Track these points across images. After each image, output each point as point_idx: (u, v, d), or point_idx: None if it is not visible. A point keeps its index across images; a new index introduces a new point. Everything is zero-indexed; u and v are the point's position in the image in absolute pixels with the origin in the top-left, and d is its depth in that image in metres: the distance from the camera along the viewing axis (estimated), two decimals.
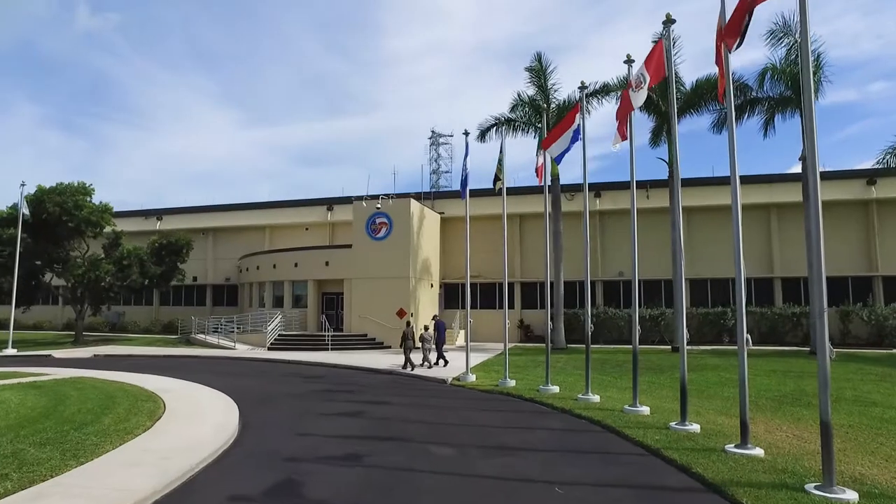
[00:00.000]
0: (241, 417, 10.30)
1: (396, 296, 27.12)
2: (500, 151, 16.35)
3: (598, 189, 31.34)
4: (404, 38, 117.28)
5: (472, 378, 16.33)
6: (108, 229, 29.19)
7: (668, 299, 29.51)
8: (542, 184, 15.69)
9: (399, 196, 28.94)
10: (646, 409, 10.78)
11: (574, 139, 12.80)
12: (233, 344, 26.50)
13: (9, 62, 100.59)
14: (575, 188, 30.87)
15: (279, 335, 27.02)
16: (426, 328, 20.77)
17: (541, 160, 15.12)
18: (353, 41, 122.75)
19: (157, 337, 32.00)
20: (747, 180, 27.79)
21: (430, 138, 42.83)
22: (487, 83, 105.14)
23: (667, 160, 25.44)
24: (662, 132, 26.18)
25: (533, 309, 31.85)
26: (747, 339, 7.97)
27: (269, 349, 25.73)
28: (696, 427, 9.04)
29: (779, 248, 29.26)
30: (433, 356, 19.77)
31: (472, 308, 33.13)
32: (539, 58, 27.29)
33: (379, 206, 27.39)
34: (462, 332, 30.47)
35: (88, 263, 27.43)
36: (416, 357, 19.69)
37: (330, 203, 35.27)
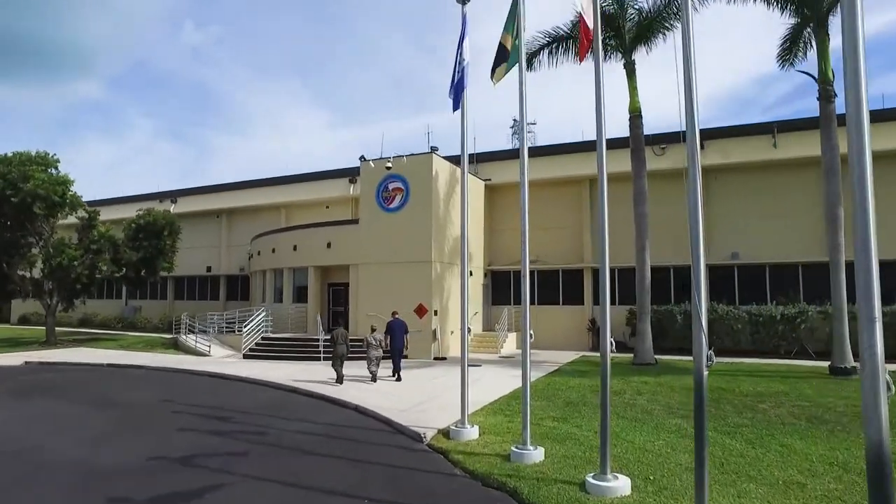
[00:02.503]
0: None
1: (416, 286, 20.06)
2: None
3: (702, 138, 22.45)
4: (482, 30, 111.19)
5: (474, 434, 8.95)
6: (84, 215, 24.37)
7: (809, 291, 20.25)
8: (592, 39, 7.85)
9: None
10: None
11: None
12: (207, 348, 20.64)
13: (127, 81, 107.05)
14: (666, 139, 22.26)
15: (263, 338, 20.83)
16: (373, 329, 15.67)
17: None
18: (436, 37, 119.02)
19: (152, 337, 27.03)
20: None
21: (512, 127, 36.75)
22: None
23: (815, 75, 16.34)
24: (804, 33, 17.11)
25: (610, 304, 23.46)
26: None
27: (246, 357, 19.57)
28: None
29: None
30: (376, 367, 15.08)
31: (526, 303, 25.55)
32: None
33: (390, 165, 20.36)
34: (512, 337, 22.85)
35: (52, 249, 22.64)
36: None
37: (353, 175, 28.74)
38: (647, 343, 17.96)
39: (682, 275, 22.46)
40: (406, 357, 17.98)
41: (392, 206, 20.78)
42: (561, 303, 24.29)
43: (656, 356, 18.17)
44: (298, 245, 23.12)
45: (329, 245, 22.00)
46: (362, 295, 20.92)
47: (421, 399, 12.00)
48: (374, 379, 14.75)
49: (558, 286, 24.43)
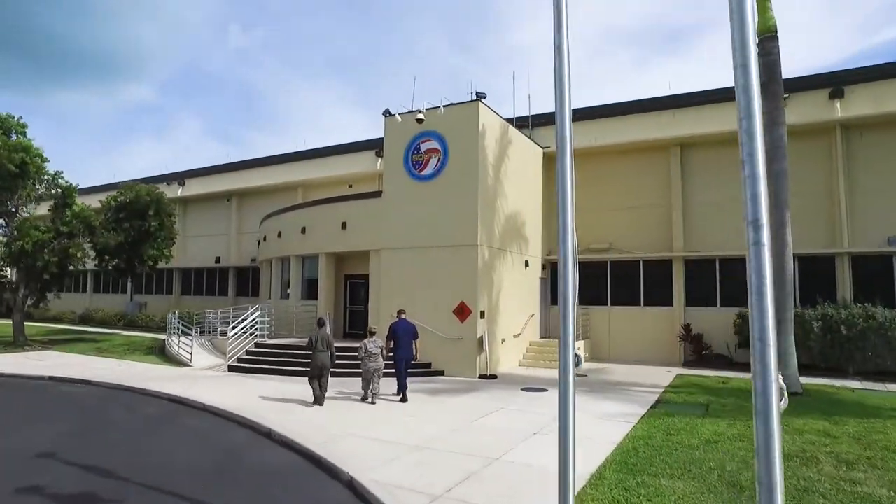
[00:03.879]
0: None
1: (456, 279, 15.00)
2: None
3: (838, 82, 16.61)
4: (524, 31, 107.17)
5: None
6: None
7: None
8: None
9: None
10: None
11: None
12: (189, 356, 16.07)
13: (178, 84, 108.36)
14: (791, 86, 16.50)
15: (257, 345, 16.10)
16: (371, 333, 11.99)
17: None
18: (476, 37, 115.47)
19: (144, 338, 22.78)
20: None
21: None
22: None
23: None
24: None
25: (708, 306, 17.86)
26: None
27: (232, 369, 14.86)
28: None
29: None
30: (378, 383, 11.38)
31: (595, 303, 20.16)
32: None
33: (422, 116, 15.28)
34: (580, 346, 17.57)
35: (15, 232, 18.58)
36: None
37: (380, 147, 23.86)
38: (793, 366, 12.30)
39: (814, 266, 16.64)
40: (415, 371, 13.03)
41: (425, 172, 15.75)
42: (642, 303, 18.77)
43: (801, 377, 12.52)
44: (308, 227, 18.35)
45: (344, 226, 17.12)
46: (386, 289, 15.97)
47: (463, 466, 6.85)
48: (370, 399, 11.29)
49: (638, 282, 18.91)
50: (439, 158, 15.59)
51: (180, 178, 30.62)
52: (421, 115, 15.11)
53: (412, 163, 15.96)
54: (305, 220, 18.54)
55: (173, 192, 30.38)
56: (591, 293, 19.48)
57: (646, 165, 19.16)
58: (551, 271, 20.17)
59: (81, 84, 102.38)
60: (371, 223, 16.54)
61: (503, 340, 15.97)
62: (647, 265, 18.87)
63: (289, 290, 19.30)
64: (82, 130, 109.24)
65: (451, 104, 15.66)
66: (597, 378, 14.71)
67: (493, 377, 14.56)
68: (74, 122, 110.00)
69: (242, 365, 14.93)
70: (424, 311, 15.05)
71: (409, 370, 12.20)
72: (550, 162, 20.48)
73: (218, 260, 28.76)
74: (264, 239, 21.81)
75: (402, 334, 11.86)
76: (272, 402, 10.93)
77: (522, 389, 12.78)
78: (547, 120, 20.44)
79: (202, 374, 14.36)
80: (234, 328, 15.56)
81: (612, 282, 19.31)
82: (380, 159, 23.67)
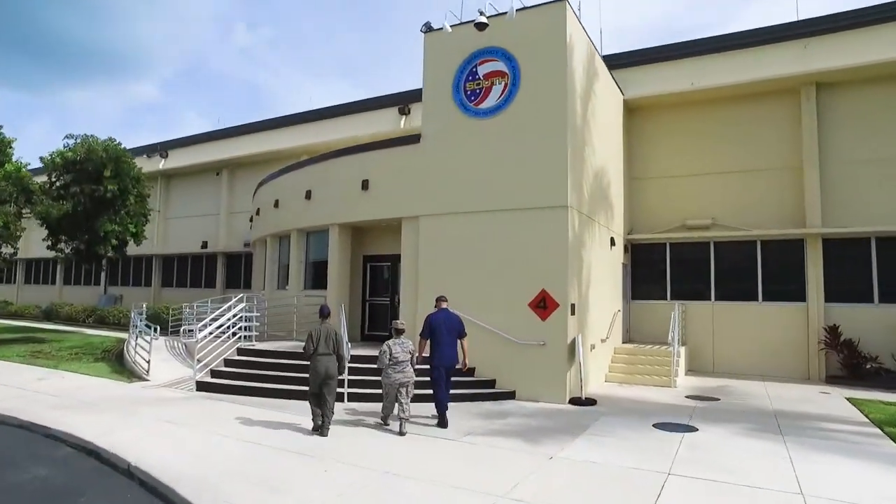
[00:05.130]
0: None
1: (535, 257, 10.26)
2: None
3: None
4: None
5: None
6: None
7: None
8: None
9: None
10: None
11: None
12: (146, 365, 11.31)
13: (181, 82, 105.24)
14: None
15: (240, 350, 11.28)
16: (398, 331, 8.14)
17: None
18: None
19: (105, 339, 17.97)
20: None
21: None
22: None
23: None
24: None
25: (860, 302, 13.08)
26: None
27: (202, 387, 10.06)
28: None
29: None
30: (408, 403, 7.76)
31: (693, 297, 15.43)
32: None
33: (484, 19, 10.43)
34: (682, 355, 12.89)
35: None
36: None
37: (405, 102, 19.14)
38: None
39: None
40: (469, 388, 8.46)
41: (485, 105, 11.00)
42: (759, 297, 14.00)
43: None
44: (315, 190, 13.57)
45: (365, 185, 12.33)
46: (425, 272, 11.23)
47: None
48: (399, 426, 7.59)
49: (753, 269, 14.14)
50: (506, 86, 10.84)
51: (162, 148, 25.88)
52: (483, 19, 10.31)
53: (465, 93, 11.21)
54: (311, 180, 13.75)
55: (154, 164, 25.69)
56: (687, 284, 14.78)
57: (764, 115, 14.39)
58: (632, 255, 15.42)
59: (88, 82, 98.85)
60: (403, 180, 11.79)
61: (592, 347, 11.23)
62: (766, 247, 14.09)
63: (288, 277, 14.55)
64: (89, 128, 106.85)
65: (524, 7, 10.89)
66: (738, 404, 9.97)
67: (591, 402, 9.80)
68: (81, 120, 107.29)
69: (217, 381, 10.16)
70: (483, 303, 10.36)
71: (456, 385, 7.95)
72: (630, 114, 15.74)
73: (205, 245, 24.02)
74: (257, 212, 17.08)
75: (443, 331, 8.21)
76: (251, 458, 6.20)
77: (656, 426, 8.04)
78: (624, 60, 15.68)
79: (157, 396, 9.63)
80: (204, 327, 10.78)
81: (716, 269, 14.55)
82: (404, 117, 18.99)
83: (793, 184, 13.91)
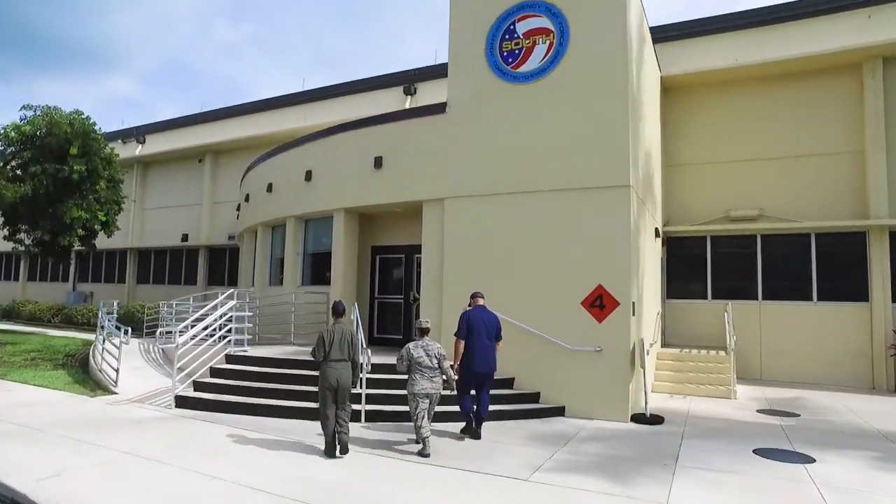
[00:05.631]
0: None
1: (588, 246, 8.59)
2: None
3: None
4: None
5: None
6: None
7: None
8: None
9: None
10: None
11: None
12: (114, 376, 9.38)
13: (161, 78, 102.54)
14: None
15: (230, 357, 9.42)
16: (422, 332, 6.81)
17: None
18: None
19: (70, 341, 15.87)
20: None
21: None
22: None
23: None
24: None
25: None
26: None
27: (182, 404, 8.18)
28: None
29: None
30: (428, 419, 6.47)
31: (738, 297, 13.87)
32: None
33: None
34: (731, 361, 11.31)
35: None
36: None
37: (411, 79, 17.40)
38: None
39: None
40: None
41: (525, 68, 9.31)
42: (814, 297, 12.53)
43: None
44: (316, 169, 11.73)
45: (378, 163, 10.54)
46: (452, 265, 9.51)
47: None
48: (423, 448, 6.26)
49: (807, 265, 12.68)
50: (551, 45, 9.16)
51: (139, 133, 23.72)
52: None
53: (501, 54, 9.50)
54: (312, 159, 11.90)
55: (130, 150, 23.57)
56: (730, 282, 13.28)
57: (819, 94, 12.95)
58: (668, 249, 13.87)
59: (62, 73, 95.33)
60: (425, 156, 10.05)
61: (647, 352, 9.60)
62: (822, 240, 12.63)
63: (283, 272, 12.69)
64: None
65: None
66: (824, 421, 8.43)
67: (657, 419, 8.16)
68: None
69: (200, 396, 8.29)
70: (523, 301, 8.71)
71: (493, 399, 7.41)
72: (664, 94, 14.20)
73: (185, 238, 21.94)
74: (246, 199, 15.16)
75: (482, 331, 7.03)
76: None
77: (758, 454, 6.44)
78: (660, 34, 14.11)
79: (126, 416, 7.75)
80: (186, 329, 8.91)
81: (763, 265, 13.06)
82: (409, 98, 17.22)
83: (853, 170, 12.47)
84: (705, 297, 13.41)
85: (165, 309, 13.55)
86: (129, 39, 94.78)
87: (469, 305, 7.51)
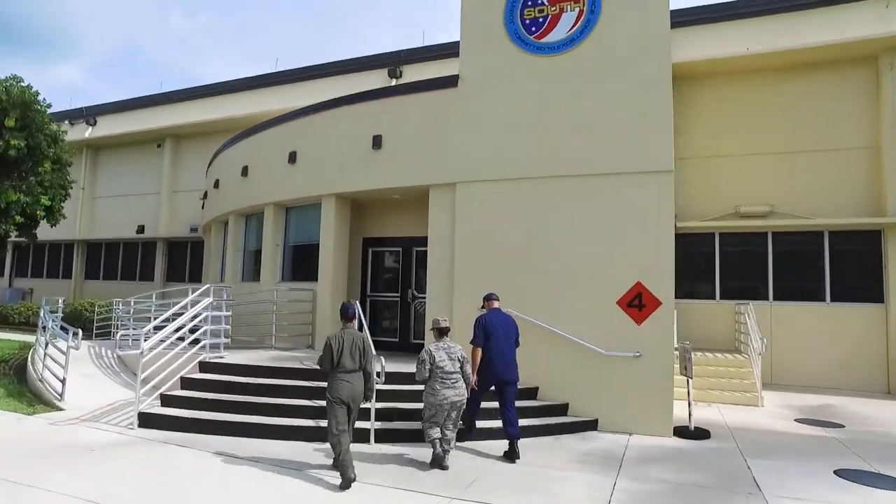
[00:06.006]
0: None
1: (624, 238, 7.59)
2: None
3: None
4: None
5: None
6: None
7: None
8: None
9: None
10: None
11: None
12: (59, 387, 7.81)
13: (113, 69, 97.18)
14: None
15: (203, 365, 8.01)
16: (441, 331, 5.96)
17: None
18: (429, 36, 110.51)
19: (6, 343, 13.90)
20: None
21: None
22: None
23: None
24: None
25: None
26: None
27: (146, 424, 6.77)
28: None
29: None
30: (452, 432, 5.82)
31: (748, 296, 13.14)
32: None
33: None
34: (757, 366, 10.55)
35: None
36: None
37: (396, 61, 16.16)
38: None
39: None
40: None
41: (550, 38, 8.26)
42: (827, 297, 11.98)
43: None
44: (301, 150, 10.37)
45: (377, 143, 9.28)
46: (463, 259, 8.37)
47: None
48: (440, 461, 5.55)
49: (820, 264, 12.13)
50: (580, 13, 8.15)
51: (89, 114, 21.57)
52: None
53: (523, 22, 8.42)
54: (297, 138, 10.52)
55: (79, 133, 21.39)
56: (739, 281, 12.63)
57: (834, 86, 12.42)
58: (679, 244, 13.04)
59: (9, 59, 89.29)
60: (434, 135, 8.87)
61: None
62: (835, 238, 12.10)
63: (259, 266, 11.25)
64: None
65: None
66: (871, 432, 7.72)
67: (702, 434, 7.24)
68: None
69: (170, 413, 6.87)
70: (548, 301, 7.69)
71: (545, 416, 6.86)
72: (674, 82, 13.38)
73: (142, 229, 19.99)
74: (216, 185, 13.58)
75: (500, 337, 6.26)
76: None
77: (840, 475, 5.58)
78: (672, 21, 13.33)
79: (74, 441, 6.27)
80: (149, 333, 7.45)
81: (774, 264, 12.45)
82: (394, 80, 15.95)
83: (868, 166, 11.98)
84: (713, 298, 12.71)
85: (121, 307, 11.91)
86: (77, 27, 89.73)
87: (482, 308, 6.61)
